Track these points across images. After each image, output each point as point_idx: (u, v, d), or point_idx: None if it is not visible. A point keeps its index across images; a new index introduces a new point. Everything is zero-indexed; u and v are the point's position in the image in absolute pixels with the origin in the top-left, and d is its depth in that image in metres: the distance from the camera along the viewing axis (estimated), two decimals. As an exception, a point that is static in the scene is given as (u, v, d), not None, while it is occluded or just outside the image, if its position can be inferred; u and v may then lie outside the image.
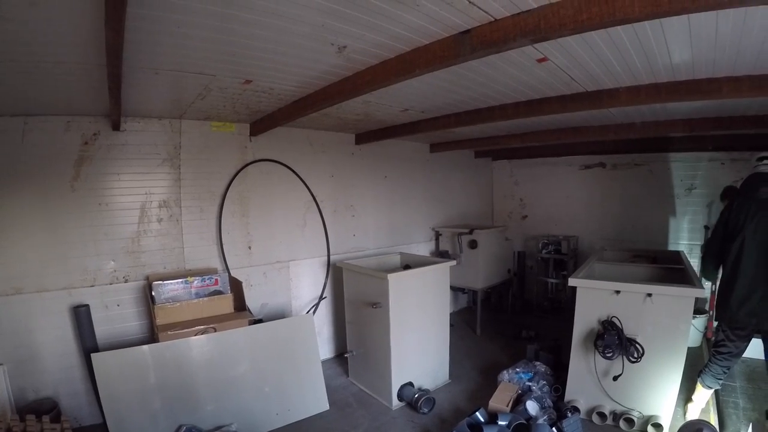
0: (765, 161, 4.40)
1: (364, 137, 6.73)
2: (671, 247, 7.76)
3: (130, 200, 4.88)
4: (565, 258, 8.62)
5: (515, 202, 10.16)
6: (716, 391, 5.05)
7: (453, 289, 8.15)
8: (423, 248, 8.32)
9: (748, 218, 4.20)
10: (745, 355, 4.50)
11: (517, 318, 8.62)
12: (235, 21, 2.51)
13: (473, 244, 7.72)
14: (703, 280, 4.96)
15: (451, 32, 2.67)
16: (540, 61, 3.24)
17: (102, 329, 4.63)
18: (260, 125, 5.41)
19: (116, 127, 4.64)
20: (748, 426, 4.35)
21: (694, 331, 6.42)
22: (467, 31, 2.60)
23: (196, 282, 4.87)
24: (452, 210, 9.16)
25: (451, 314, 8.43)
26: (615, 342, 4.53)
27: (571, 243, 8.83)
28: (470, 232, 7.78)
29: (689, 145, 7.31)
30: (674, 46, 2.97)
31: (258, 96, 4.27)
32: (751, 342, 4.40)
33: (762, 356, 4.31)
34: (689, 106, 4.80)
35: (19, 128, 4.28)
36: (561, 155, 9.07)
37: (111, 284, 4.77)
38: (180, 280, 4.79)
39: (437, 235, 8.53)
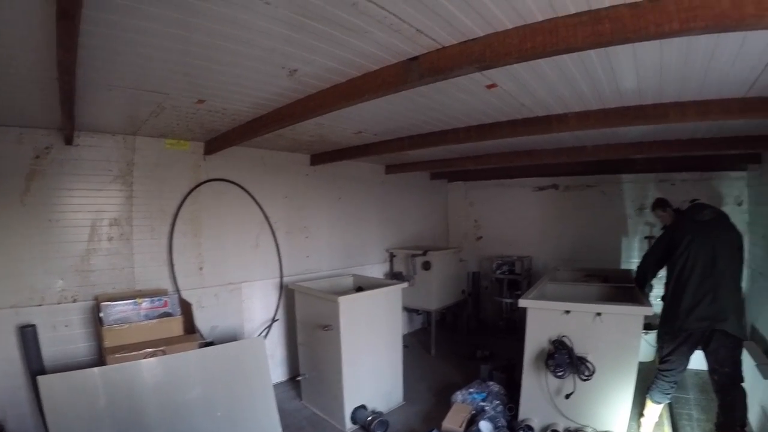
0: (696, 201, 4.93)
1: (318, 158, 6.73)
2: (623, 266, 7.92)
3: (81, 217, 4.73)
4: (519, 278, 8.70)
5: (470, 223, 10.25)
6: (670, 404, 5.25)
7: (407, 310, 8.22)
8: (377, 270, 8.33)
9: (695, 236, 4.57)
10: (698, 367, 4.77)
11: (472, 338, 8.64)
12: (189, 42, 2.50)
13: (427, 266, 7.76)
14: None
15: (400, 58, 2.71)
16: (489, 87, 3.30)
17: (49, 350, 4.47)
18: (214, 144, 5.35)
19: (69, 141, 4.52)
20: None
21: (646, 345, 6.59)
22: (415, 58, 2.64)
23: (145, 303, 4.75)
24: (407, 231, 9.20)
25: (405, 335, 8.49)
26: (566, 361, 4.57)
27: (525, 263, 8.93)
28: (424, 254, 7.82)
29: (640, 167, 7.52)
30: (620, 73, 3.07)
31: (212, 115, 4.25)
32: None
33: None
34: (639, 129, 4.98)
35: (-32, 138, 4.16)
36: (515, 177, 9.21)
37: (59, 304, 4.60)
38: (129, 301, 4.66)
39: (391, 257, 8.52)
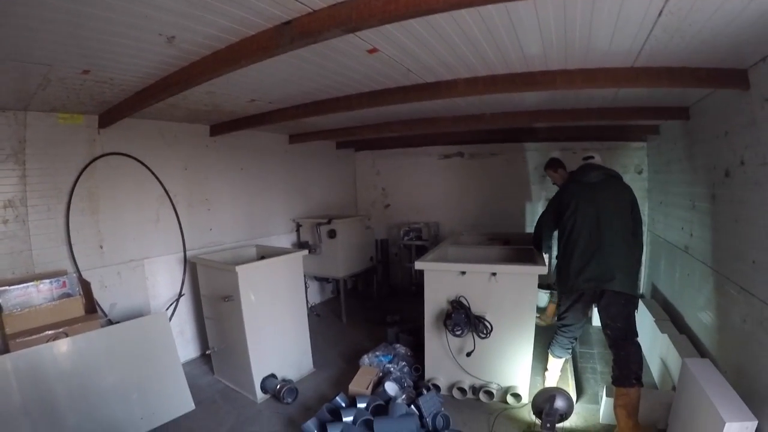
0: (590, 159, 5.03)
1: (218, 129, 6.60)
2: (528, 230, 8.19)
3: None
4: (426, 244, 8.92)
5: (378, 191, 10.41)
6: (574, 358, 5.56)
7: (317, 279, 8.38)
8: (284, 240, 8.32)
9: (581, 199, 4.67)
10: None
11: (384, 304, 8.85)
12: (59, 11, 2.43)
13: (332, 234, 7.81)
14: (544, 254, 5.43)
15: (274, 23, 2.71)
16: (371, 52, 3.33)
17: None
18: (108, 117, 5.16)
19: None
20: (603, 388, 4.71)
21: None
22: (288, 22, 2.65)
23: (43, 285, 4.61)
24: (314, 201, 9.22)
25: (318, 304, 8.66)
26: (463, 320, 4.76)
27: (432, 229, 9.20)
28: (329, 222, 7.87)
29: (543, 136, 7.77)
30: (500, 38, 3.12)
31: (100, 86, 4.11)
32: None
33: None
34: (534, 98, 5.11)
35: None
36: (421, 145, 9.36)
37: None
38: (27, 284, 4.52)
39: (298, 227, 8.52)
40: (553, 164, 6.12)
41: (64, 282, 4.74)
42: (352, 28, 2.45)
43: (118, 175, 5.64)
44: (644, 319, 5.82)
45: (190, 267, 6.32)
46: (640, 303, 6.20)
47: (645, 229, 7.23)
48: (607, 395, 4.53)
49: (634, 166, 7.72)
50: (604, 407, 4.53)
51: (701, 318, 4.72)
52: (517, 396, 4.87)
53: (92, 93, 4.34)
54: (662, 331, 5.08)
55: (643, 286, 7.47)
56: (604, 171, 4.83)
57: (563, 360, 5.08)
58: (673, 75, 3.69)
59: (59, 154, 5.07)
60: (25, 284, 4.50)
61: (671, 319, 5.48)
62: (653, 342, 5.34)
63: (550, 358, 5.05)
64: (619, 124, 6.72)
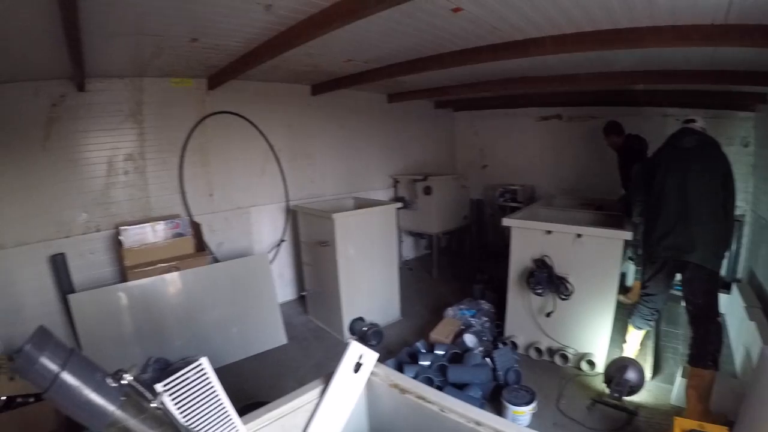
0: (690, 123, 4.58)
1: (318, 88, 6.89)
2: (625, 197, 7.97)
3: (98, 155, 5.11)
4: (520, 206, 8.69)
5: (475, 152, 10.38)
6: (657, 336, 5.42)
7: (412, 234, 8.70)
8: (382, 194, 8.60)
9: (671, 163, 4.41)
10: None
11: (475, 263, 8.93)
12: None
13: (428, 191, 7.98)
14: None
15: (362, -13, 2.88)
16: (455, 11, 3.41)
17: (79, 276, 4.93)
18: (216, 79, 5.64)
19: (81, 88, 4.85)
20: (680, 369, 4.49)
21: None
22: (374, -14, 2.81)
23: (159, 226, 5.24)
24: (413, 158, 9.39)
25: (411, 259, 8.97)
26: (545, 279, 4.82)
27: (528, 192, 9.11)
28: (424, 179, 8.05)
29: (644, 100, 7.43)
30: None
31: (207, 53, 4.53)
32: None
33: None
34: (628, 58, 4.88)
35: (-10, 95, 4.48)
36: (519, 106, 9.21)
37: (84, 234, 5.04)
38: (144, 225, 5.15)
39: (395, 182, 8.81)
40: (608, 128, 6.20)
41: (177, 223, 5.36)
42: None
43: (227, 132, 6.16)
44: (735, 305, 5.57)
45: (292, 216, 6.80)
46: (733, 287, 5.91)
47: (748, 208, 6.77)
48: (682, 376, 4.31)
49: (740, 138, 7.00)
50: (677, 388, 4.34)
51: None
52: (591, 363, 4.84)
53: (200, 59, 4.80)
54: (751, 319, 4.60)
55: (741, 270, 6.86)
56: (701, 137, 4.42)
57: (643, 333, 4.91)
58: (769, 34, 3.38)
59: (172, 114, 5.65)
60: (142, 225, 5.14)
61: (763, 308, 4.97)
62: (740, 329, 5.05)
63: (630, 328, 4.90)
64: (722, 89, 6.22)
